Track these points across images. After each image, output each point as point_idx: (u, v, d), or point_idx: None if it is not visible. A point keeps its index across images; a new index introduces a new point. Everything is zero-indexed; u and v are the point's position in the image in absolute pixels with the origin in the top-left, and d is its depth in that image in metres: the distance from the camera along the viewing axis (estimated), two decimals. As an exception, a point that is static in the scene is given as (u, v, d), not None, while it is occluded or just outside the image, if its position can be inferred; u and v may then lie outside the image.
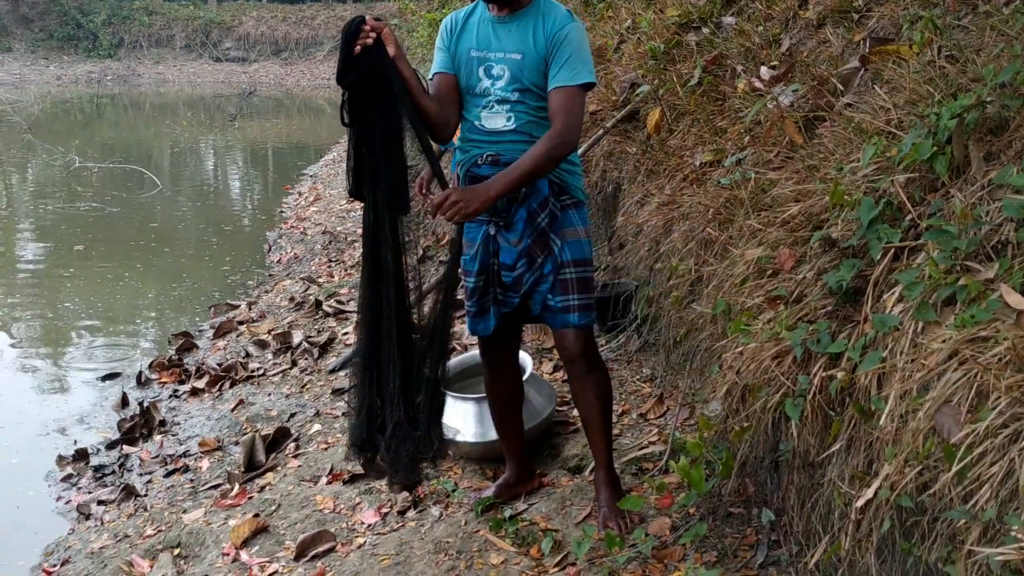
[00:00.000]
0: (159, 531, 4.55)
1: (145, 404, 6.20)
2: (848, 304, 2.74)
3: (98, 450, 5.84)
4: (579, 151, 4.00)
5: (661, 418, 4.28)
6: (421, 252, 7.76)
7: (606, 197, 5.51)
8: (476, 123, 3.41)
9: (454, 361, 4.59)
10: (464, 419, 4.21)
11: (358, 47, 3.00)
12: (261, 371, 6.40)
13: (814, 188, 3.25)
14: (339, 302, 7.26)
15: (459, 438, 4.23)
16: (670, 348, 4.30)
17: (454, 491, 4.12)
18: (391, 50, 3.06)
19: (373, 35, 3.02)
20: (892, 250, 2.63)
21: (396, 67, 3.07)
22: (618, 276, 5.23)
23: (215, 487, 4.93)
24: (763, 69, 4.38)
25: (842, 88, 3.78)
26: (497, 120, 3.37)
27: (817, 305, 2.83)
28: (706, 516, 3.38)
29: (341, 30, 3.10)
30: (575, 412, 4.51)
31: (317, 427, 5.25)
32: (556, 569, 3.34)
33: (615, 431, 4.28)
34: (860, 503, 2.34)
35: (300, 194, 13.23)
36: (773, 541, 3.14)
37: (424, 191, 4.44)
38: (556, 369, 5.01)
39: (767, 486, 3.18)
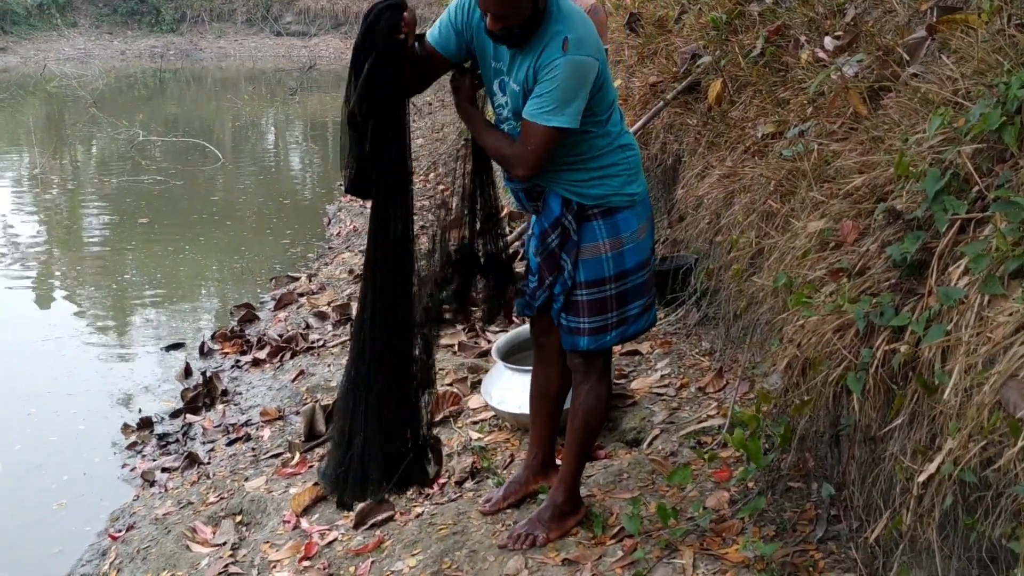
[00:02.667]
0: (221, 498, 4.63)
1: (208, 374, 6.31)
2: (912, 277, 2.70)
3: (162, 419, 5.95)
4: (632, 129, 3.73)
5: (720, 392, 4.25)
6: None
7: (666, 170, 5.47)
8: None
9: (512, 333, 4.60)
10: (510, 389, 4.23)
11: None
12: (321, 342, 6.47)
13: (878, 159, 3.20)
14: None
15: (505, 408, 4.25)
16: (730, 321, 4.27)
17: (511, 463, 4.14)
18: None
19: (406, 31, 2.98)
20: (958, 222, 2.58)
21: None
22: (677, 249, 5.20)
23: (276, 456, 5.00)
24: (827, 39, 4.30)
25: (908, 58, 3.71)
26: None
27: (880, 278, 2.79)
28: (765, 490, 3.36)
29: (371, 13, 2.98)
30: (633, 384, 4.51)
31: (376, 398, 5.28)
32: (613, 542, 3.34)
33: (673, 404, 4.28)
34: (922, 478, 2.31)
35: (359, 167, 13.26)
36: (833, 516, 3.11)
37: None
38: (614, 342, 5.00)
39: (827, 460, 3.16)
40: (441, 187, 9.23)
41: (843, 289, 2.86)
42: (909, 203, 2.84)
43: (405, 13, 2.97)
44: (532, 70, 2.98)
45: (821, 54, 4.24)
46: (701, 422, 4.05)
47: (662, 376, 4.55)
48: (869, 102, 3.73)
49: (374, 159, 3.09)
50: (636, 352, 4.86)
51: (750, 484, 3.45)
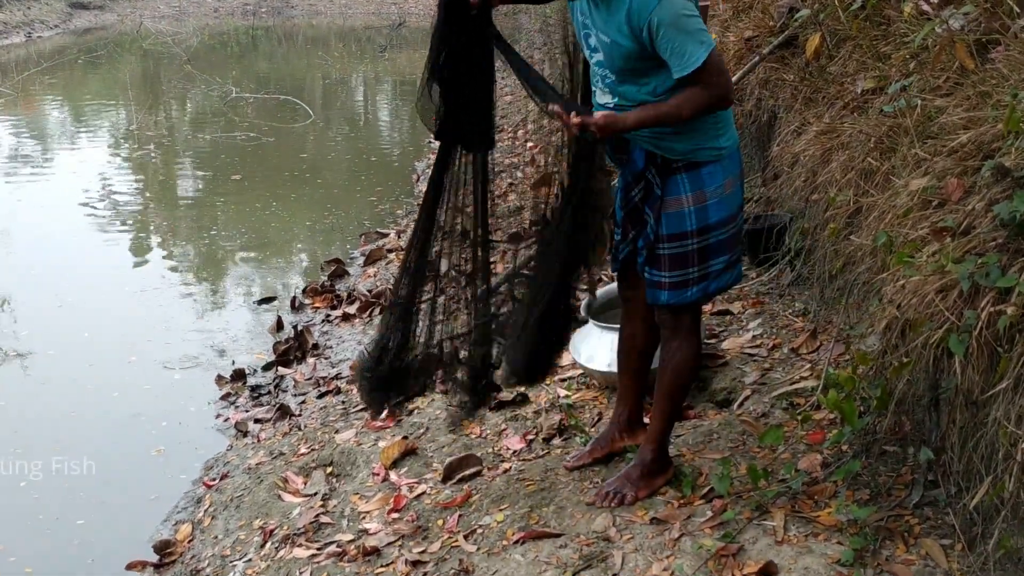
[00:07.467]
0: (312, 450, 4.70)
1: (299, 328, 6.39)
2: (1021, 236, 2.61)
3: (255, 371, 6.05)
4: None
5: (814, 353, 4.17)
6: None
7: (760, 126, 5.37)
8: (592, 88, 3.27)
9: (601, 291, 4.57)
10: (599, 347, 4.21)
11: None
12: (410, 298, 6.49)
13: (986, 115, 3.10)
14: (486, 232, 7.30)
15: (593, 366, 4.23)
16: (825, 282, 4.18)
17: (598, 421, 4.13)
18: None
19: None
20: (1072, 180, 2.49)
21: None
22: (771, 208, 5.11)
23: (365, 409, 5.04)
24: (932, -8, 4.17)
25: (1018, 10, 3.57)
26: (604, 96, 3.19)
27: (987, 237, 2.70)
28: (859, 453, 3.30)
29: None
30: (724, 344, 4.45)
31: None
32: (702, 502, 3.31)
33: (765, 364, 4.21)
34: (1028, 444, 2.24)
35: (448, 124, 13.29)
36: (930, 481, 3.04)
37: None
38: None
39: (925, 424, 3.08)
40: (530, 144, 9.18)
41: (947, 248, 2.78)
42: (1019, 160, 2.74)
43: None
44: (627, 27, 2.95)
45: (925, 7, 4.12)
46: (794, 383, 3.98)
47: (754, 337, 4.48)
48: (976, 56, 3.60)
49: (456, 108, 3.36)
50: (727, 312, 4.79)
51: (844, 447, 3.38)
